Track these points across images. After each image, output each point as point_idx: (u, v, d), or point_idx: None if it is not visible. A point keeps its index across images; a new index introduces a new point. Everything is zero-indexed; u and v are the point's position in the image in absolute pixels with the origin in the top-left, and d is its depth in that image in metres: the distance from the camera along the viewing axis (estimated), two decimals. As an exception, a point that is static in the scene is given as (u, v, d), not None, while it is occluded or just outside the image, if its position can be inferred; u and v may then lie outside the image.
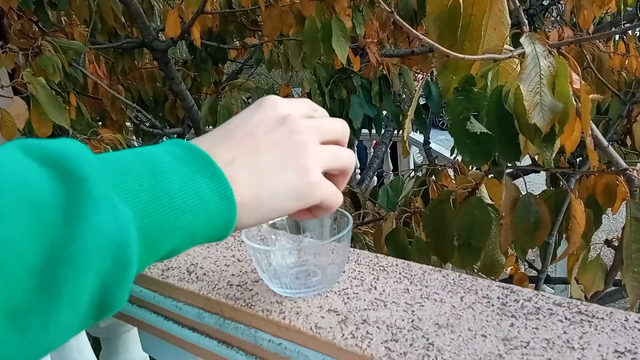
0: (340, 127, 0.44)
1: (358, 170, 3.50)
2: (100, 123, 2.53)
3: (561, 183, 1.23)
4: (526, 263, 2.22)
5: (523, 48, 0.84)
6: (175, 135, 2.72)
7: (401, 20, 0.70)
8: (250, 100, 2.15)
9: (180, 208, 0.32)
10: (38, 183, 0.28)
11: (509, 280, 2.06)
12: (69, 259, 0.27)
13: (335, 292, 0.51)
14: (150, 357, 0.81)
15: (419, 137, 3.92)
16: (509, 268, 2.02)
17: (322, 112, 0.45)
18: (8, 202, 0.26)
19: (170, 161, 0.34)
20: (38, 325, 0.26)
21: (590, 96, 0.89)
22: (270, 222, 0.55)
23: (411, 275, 0.53)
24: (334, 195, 0.41)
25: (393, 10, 0.69)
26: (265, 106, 0.41)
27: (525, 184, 1.08)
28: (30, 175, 0.28)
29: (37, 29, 2.34)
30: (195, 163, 0.35)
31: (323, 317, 0.48)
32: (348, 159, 0.43)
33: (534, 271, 2.20)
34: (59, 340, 0.28)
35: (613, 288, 1.59)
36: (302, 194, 0.38)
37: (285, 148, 0.39)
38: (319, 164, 0.40)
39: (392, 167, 4.19)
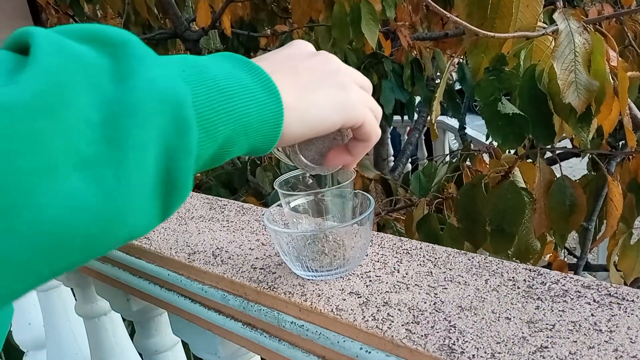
0: (369, 85, 0.44)
1: (392, 157, 3.46)
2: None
3: (601, 167, 1.18)
4: (566, 250, 2.15)
5: (556, 25, 0.81)
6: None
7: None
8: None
9: (228, 91, 0.32)
10: (81, 48, 0.27)
11: (548, 267, 2.01)
12: (126, 110, 0.26)
13: (358, 275, 0.51)
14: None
15: (454, 123, 3.83)
16: (548, 255, 1.96)
17: None
18: (54, 61, 0.24)
19: (209, 61, 0.33)
20: (110, 176, 0.25)
21: (629, 74, 0.85)
22: (292, 204, 0.55)
23: (435, 258, 0.52)
24: (374, 121, 0.42)
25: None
26: (297, 44, 0.42)
27: (561, 168, 1.04)
28: (70, 44, 0.26)
29: (73, 23, 2.39)
30: (235, 62, 0.35)
31: (344, 300, 0.47)
32: (376, 122, 0.42)
33: (574, 259, 2.13)
34: (135, 202, 0.27)
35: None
36: (345, 105, 0.39)
37: (322, 72, 0.40)
38: (356, 86, 0.41)
39: (426, 154, 4.12)
